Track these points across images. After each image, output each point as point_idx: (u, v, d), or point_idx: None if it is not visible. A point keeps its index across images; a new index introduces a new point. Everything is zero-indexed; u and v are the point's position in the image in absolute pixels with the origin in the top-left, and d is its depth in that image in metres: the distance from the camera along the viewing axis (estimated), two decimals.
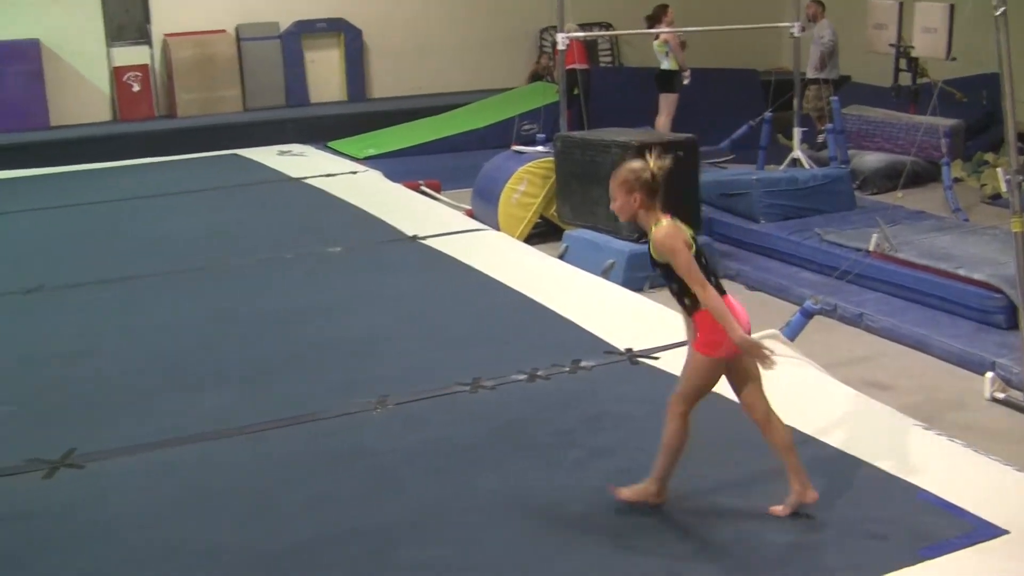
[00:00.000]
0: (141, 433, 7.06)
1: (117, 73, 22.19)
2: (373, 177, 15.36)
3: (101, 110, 22.21)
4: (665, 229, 5.20)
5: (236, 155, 17.93)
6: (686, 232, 5.24)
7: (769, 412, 5.43)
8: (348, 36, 23.30)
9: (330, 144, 19.62)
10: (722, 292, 5.23)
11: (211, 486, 6.32)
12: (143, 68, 22.26)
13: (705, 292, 5.11)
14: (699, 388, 5.40)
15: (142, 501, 6.19)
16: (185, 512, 6.02)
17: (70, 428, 7.22)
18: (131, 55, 22.32)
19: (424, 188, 15.53)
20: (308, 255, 11.26)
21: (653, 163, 5.24)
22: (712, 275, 5.25)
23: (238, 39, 22.68)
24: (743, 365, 5.33)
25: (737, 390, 5.46)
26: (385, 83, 23.61)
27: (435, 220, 12.53)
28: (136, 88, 22.16)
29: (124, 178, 16.76)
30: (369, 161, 17.70)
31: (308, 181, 15.15)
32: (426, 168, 17.04)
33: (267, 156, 17.48)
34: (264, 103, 22.58)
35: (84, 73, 22.14)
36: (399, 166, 16.89)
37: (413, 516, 5.79)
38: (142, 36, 22.50)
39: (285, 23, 22.96)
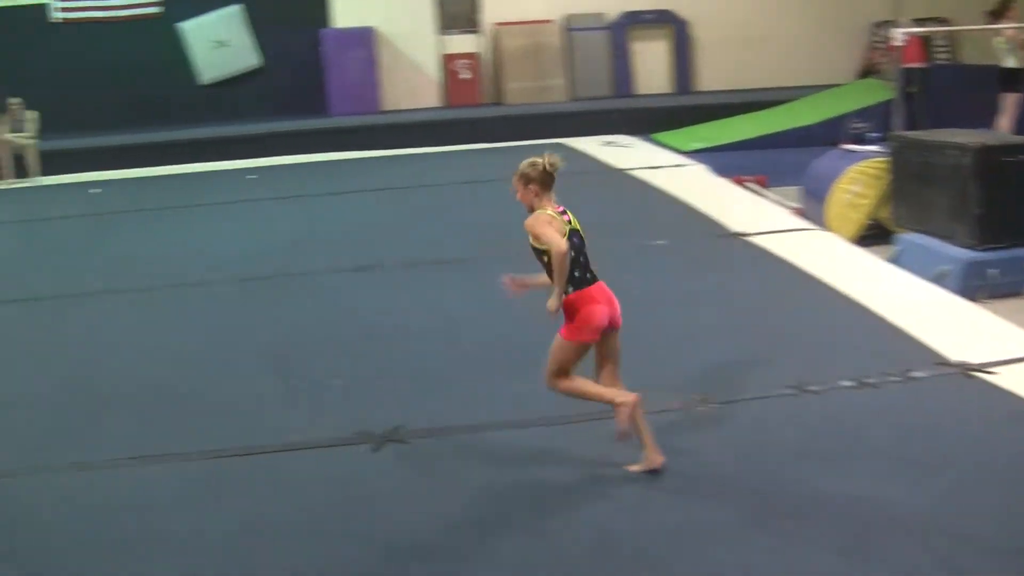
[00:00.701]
0: (466, 414, 7.20)
1: (447, 60, 22.73)
2: (698, 171, 15.23)
3: (431, 96, 22.79)
4: (534, 215, 6.10)
5: (561, 144, 18.06)
6: (559, 222, 6.06)
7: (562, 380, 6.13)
8: (675, 27, 23.21)
9: (654, 136, 19.55)
10: (594, 281, 6.16)
11: (526, 472, 6.37)
12: (473, 56, 22.73)
13: (556, 246, 5.92)
14: (560, 366, 6.14)
15: (462, 480, 6.30)
16: (499, 495, 6.09)
17: (399, 403, 7.43)
18: (461, 43, 22.84)
19: (750, 184, 15.28)
20: (632, 246, 11.23)
21: (546, 159, 6.11)
22: (585, 268, 6.14)
23: (566, 29, 22.87)
24: (603, 347, 6.20)
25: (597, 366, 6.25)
26: (711, 75, 23.42)
27: (761, 217, 12.33)
28: (465, 75, 22.63)
29: (452, 163, 17.15)
30: (694, 154, 17.53)
31: (632, 172, 15.13)
32: (752, 163, 16.76)
33: (592, 146, 17.56)
34: (590, 93, 22.73)
35: (416, 60, 22.74)
36: (724, 160, 16.66)
37: (727, 516, 5.67)
38: (473, 25, 22.96)
39: (613, 14, 23.05)
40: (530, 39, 22.55)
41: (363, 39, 22.02)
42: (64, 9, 22.11)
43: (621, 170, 15.43)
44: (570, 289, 6.07)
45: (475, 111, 21.70)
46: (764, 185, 15.67)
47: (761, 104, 21.09)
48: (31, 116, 18.77)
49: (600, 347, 6.23)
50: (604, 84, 23.04)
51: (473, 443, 6.79)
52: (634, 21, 23.08)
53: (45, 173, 18.84)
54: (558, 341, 6.17)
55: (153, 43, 22.21)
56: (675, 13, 23.15)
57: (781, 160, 17.18)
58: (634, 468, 6.14)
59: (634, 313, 9.05)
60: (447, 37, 22.87)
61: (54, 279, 11.81)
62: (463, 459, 6.58)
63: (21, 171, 18.96)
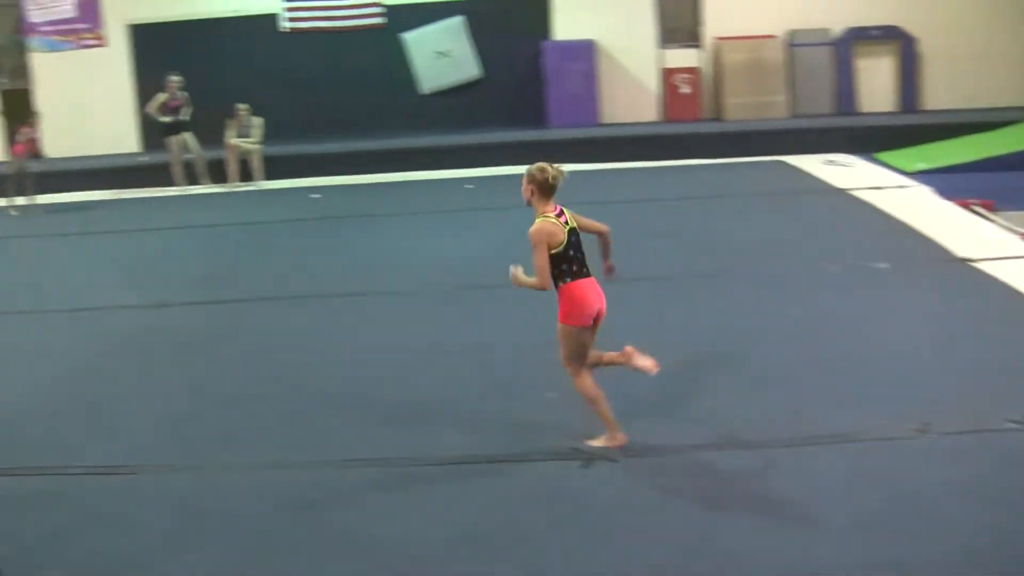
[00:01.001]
0: (682, 433, 7.11)
1: (666, 74, 22.59)
2: (922, 193, 14.80)
3: (649, 110, 22.67)
4: (539, 224, 6.82)
5: (781, 161, 17.81)
6: (561, 227, 6.80)
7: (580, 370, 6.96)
8: (903, 44, 22.61)
9: (877, 155, 18.97)
10: (586, 275, 6.87)
11: (735, 494, 6.24)
12: (693, 71, 22.53)
13: (539, 275, 6.77)
14: (570, 350, 6.90)
15: (670, 499, 6.21)
16: (705, 516, 5.98)
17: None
18: (681, 57, 22.67)
19: (977, 208, 14.75)
20: (853, 269, 10.96)
21: (553, 171, 6.88)
22: (580, 264, 6.86)
23: (789, 44, 22.50)
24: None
25: None
26: (939, 93, 22.69)
27: (988, 243, 11.90)
28: (685, 90, 22.46)
29: (669, 178, 17.04)
30: (918, 175, 16.98)
31: (853, 192, 14.80)
32: (979, 186, 16.12)
33: (812, 164, 17.26)
34: (811, 110, 22.28)
35: (635, 73, 22.67)
36: (950, 182, 16.06)
37: (936, 555, 5.43)
38: (693, 39, 22.78)
39: (837, 29, 22.57)
40: (752, 54, 22.25)
41: (583, 52, 22.04)
42: (292, 19, 22.67)
43: (842, 190, 15.10)
44: (567, 280, 6.84)
45: (694, 126, 21.48)
46: (991, 209, 15.09)
47: (990, 124, 20.30)
48: (257, 122, 19.32)
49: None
50: (826, 101, 22.56)
51: (685, 463, 6.69)
52: (859, 37, 22.55)
53: (268, 178, 19.35)
54: (559, 327, 6.95)
55: (376, 53, 22.63)
56: (903, 29, 22.54)
57: (1010, 183, 16.53)
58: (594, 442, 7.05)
59: (852, 337, 8.89)
60: (667, 51, 22.73)
61: (274, 281, 12.10)
62: (670, 479, 6.47)
63: (246, 175, 19.51)
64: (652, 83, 22.72)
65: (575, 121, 21.52)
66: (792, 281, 10.69)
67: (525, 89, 22.32)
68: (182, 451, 7.43)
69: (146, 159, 21.21)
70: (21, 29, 22.95)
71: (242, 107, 19.40)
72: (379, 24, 22.56)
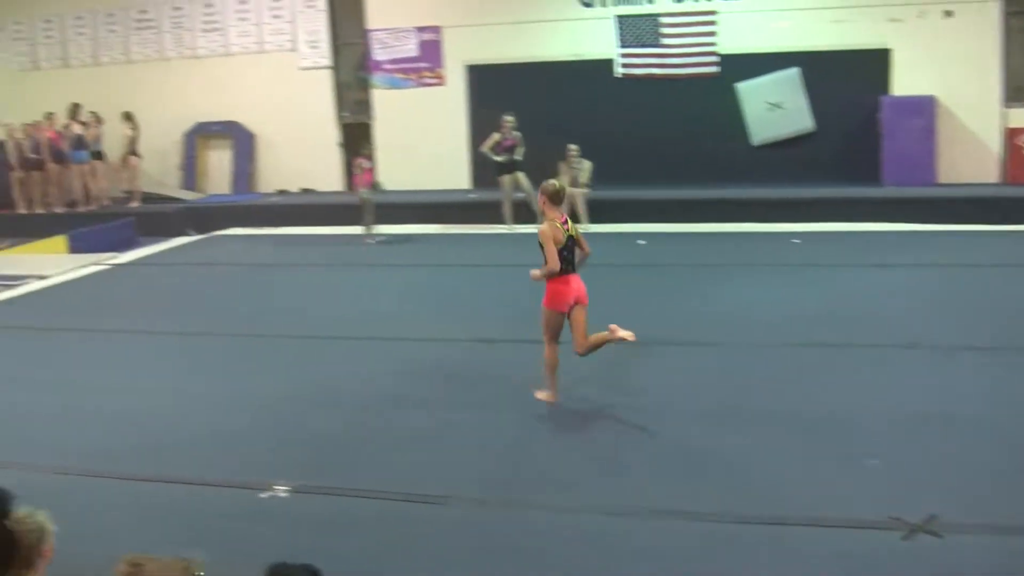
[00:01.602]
0: (1013, 514, 6.71)
1: (1009, 134, 21.67)
2: None
3: (989, 170, 21.78)
4: (546, 226, 8.89)
5: None
6: (560, 231, 8.86)
7: (586, 344, 8.97)
8: None
9: None
10: (572, 271, 8.98)
11: None
12: None
13: (550, 261, 8.78)
14: (546, 327, 9.00)
15: None
16: None
17: (936, 492, 7.03)
18: None
19: None
20: None
21: (558, 184, 9.13)
22: (567, 263, 8.91)
23: None
24: (572, 318, 8.99)
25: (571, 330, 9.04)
26: None
27: None
28: None
29: (1008, 243, 16.39)
30: None
31: None
32: None
33: None
34: None
35: (975, 132, 21.84)
36: None
37: None
38: None
39: None
40: None
41: (923, 108, 21.34)
42: (626, 65, 22.79)
43: None
44: (553, 274, 8.86)
45: None
46: None
47: None
48: (586, 165, 19.50)
49: (570, 318, 8.97)
50: None
51: (1010, 546, 6.29)
52: None
53: (593, 221, 19.45)
54: (542, 310, 8.99)
55: (708, 101, 22.47)
56: None
57: None
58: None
59: None
60: (1011, 110, 21.80)
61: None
62: (990, 560, 6.11)
63: (572, 217, 19.65)
64: (994, 142, 21.83)
65: (911, 179, 20.82)
66: None
67: (859, 144, 21.75)
68: (495, 486, 7.50)
69: (476, 196, 21.69)
70: (365, 66, 23.88)
71: (572, 147, 19.61)
72: (713, 73, 22.43)
